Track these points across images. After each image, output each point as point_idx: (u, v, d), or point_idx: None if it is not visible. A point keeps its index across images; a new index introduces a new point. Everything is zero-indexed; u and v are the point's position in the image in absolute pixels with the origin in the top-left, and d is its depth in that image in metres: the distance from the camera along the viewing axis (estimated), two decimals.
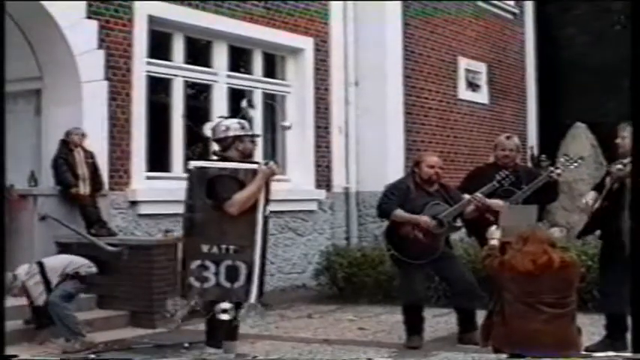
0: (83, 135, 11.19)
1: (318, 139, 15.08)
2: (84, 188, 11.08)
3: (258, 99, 14.21)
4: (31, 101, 12.02)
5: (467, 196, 9.16)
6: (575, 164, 9.38)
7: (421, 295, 9.33)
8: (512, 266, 6.95)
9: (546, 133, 20.52)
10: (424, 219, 8.98)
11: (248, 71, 14.48)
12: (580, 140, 18.09)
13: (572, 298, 6.99)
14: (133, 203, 11.96)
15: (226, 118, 8.66)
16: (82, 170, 11.08)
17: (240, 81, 14.16)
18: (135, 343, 9.61)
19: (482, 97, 18.75)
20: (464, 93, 18.10)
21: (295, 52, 14.89)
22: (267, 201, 7.91)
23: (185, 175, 8.20)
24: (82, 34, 11.49)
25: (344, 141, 15.54)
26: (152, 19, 12.35)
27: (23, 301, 9.63)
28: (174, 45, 13.05)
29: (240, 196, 7.70)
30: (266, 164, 8.01)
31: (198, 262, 7.77)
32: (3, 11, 6.76)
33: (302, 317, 11.58)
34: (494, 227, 7.81)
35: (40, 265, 9.38)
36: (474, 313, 9.14)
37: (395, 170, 14.16)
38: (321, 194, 15.03)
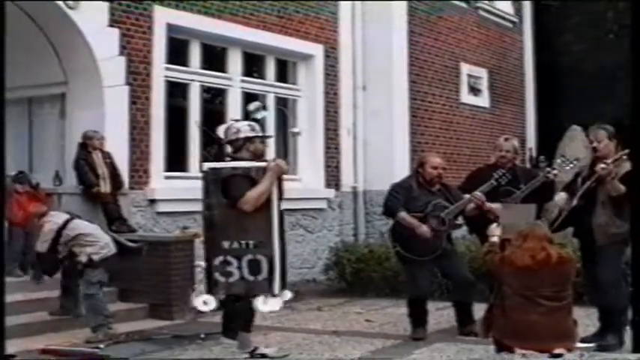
0: (103, 138, 11.24)
1: (328, 141, 15.09)
2: (105, 187, 11.12)
3: (270, 103, 14.22)
4: (56, 105, 12.05)
5: (467, 196, 9.18)
6: (571, 165, 9.36)
7: (425, 289, 9.32)
8: (512, 262, 6.96)
9: (544, 135, 20.48)
10: (423, 229, 8.97)
11: (261, 76, 14.48)
12: (576, 142, 17.99)
13: (569, 292, 7.01)
14: (152, 201, 11.99)
15: (237, 120, 8.68)
16: (102, 170, 11.12)
17: (254, 85, 14.17)
18: (154, 334, 9.64)
19: (483, 101, 18.74)
20: (466, 97, 18.10)
21: (306, 58, 14.90)
22: (281, 197, 7.92)
23: (201, 174, 8.21)
24: (104, 42, 11.52)
25: (352, 142, 15.55)
26: (170, 27, 12.38)
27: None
28: (191, 51, 13.08)
29: (252, 193, 7.67)
30: (274, 161, 8.01)
31: (220, 258, 7.73)
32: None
33: (312, 310, 11.58)
34: (494, 225, 7.83)
35: (68, 220, 9.46)
36: (470, 307, 9.17)
37: (401, 170, 14.13)
38: (331, 193, 15.05)
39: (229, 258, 7.73)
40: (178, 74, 12.85)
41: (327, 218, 14.95)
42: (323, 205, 14.90)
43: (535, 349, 6.81)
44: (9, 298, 9.68)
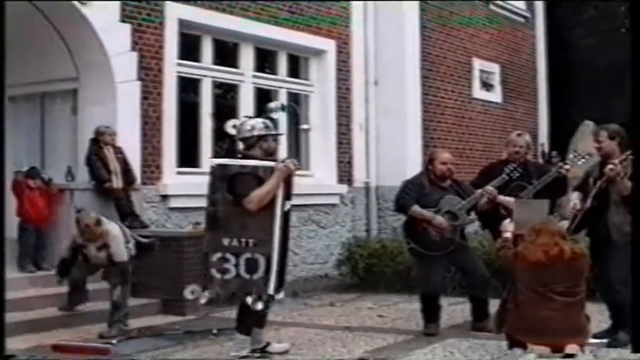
0: (115, 134, 11.22)
1: (340, 137, 15.04)
2: (117, 182, 11.10)
3: (282, 98, 14.19)
4: (68, 101, 12.03)
5: (479, 191, 9.14)
6: (584, 160, 9.31)
7: (438, 285, 9.29)
8: (525, 257, 6.94)
9: (557, 130, 20.43)
10: (439, 219, 8.95)
11: (273, 72, 14.44)
12: (588, 137, 17.91)
13: (582, 288, 6.98)
14: (164, 197, 11.96)
15: (251, 117, 8.65)
16: (114, 165, 11.11)
17: (266, 81, 14.13)
18: (166, 329, 9.64)
19: (495, 96, 18.67)
20: (478, 92, 18.03)
21: (318, 53, 14.85)
22: (289, 197, 7.88)
23: (209, 170, 8.17)
24: (116, 37, 11.49)
25: (364, 138, 15.50)
26: (182, 23, 12.34)
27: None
28: (202, 47, 13.04)
29: (258, 193, 7.65)
30: (283, 162, 7.99)
31: (219, 255, 7.75)
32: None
33: (324, 305, 11.58)
34: (507, 220, 7.82)
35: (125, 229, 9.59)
36: (486, 303, 9.13)
37: (413, 165, 14.06)
38: (343, 189, 14.99)
39: (227, 255, 7.74)
40: (190, 70, 12.81)
41: (339, 214, 14.90)
42: (335, 200, 14.85)
43: (548, 345, 6.78)
44: (21, 293, 9.78)
